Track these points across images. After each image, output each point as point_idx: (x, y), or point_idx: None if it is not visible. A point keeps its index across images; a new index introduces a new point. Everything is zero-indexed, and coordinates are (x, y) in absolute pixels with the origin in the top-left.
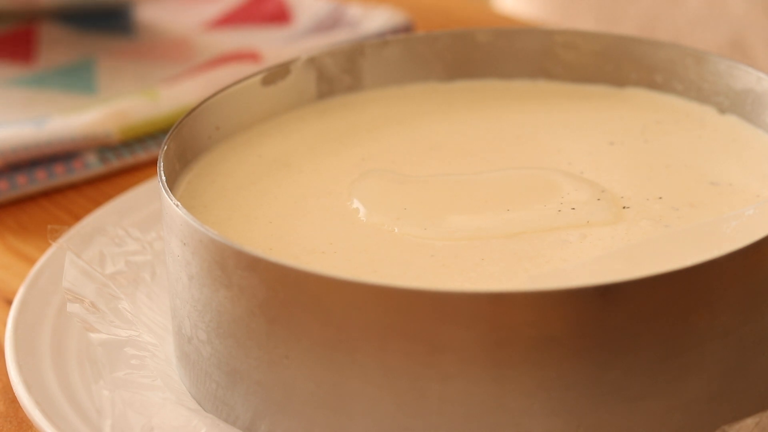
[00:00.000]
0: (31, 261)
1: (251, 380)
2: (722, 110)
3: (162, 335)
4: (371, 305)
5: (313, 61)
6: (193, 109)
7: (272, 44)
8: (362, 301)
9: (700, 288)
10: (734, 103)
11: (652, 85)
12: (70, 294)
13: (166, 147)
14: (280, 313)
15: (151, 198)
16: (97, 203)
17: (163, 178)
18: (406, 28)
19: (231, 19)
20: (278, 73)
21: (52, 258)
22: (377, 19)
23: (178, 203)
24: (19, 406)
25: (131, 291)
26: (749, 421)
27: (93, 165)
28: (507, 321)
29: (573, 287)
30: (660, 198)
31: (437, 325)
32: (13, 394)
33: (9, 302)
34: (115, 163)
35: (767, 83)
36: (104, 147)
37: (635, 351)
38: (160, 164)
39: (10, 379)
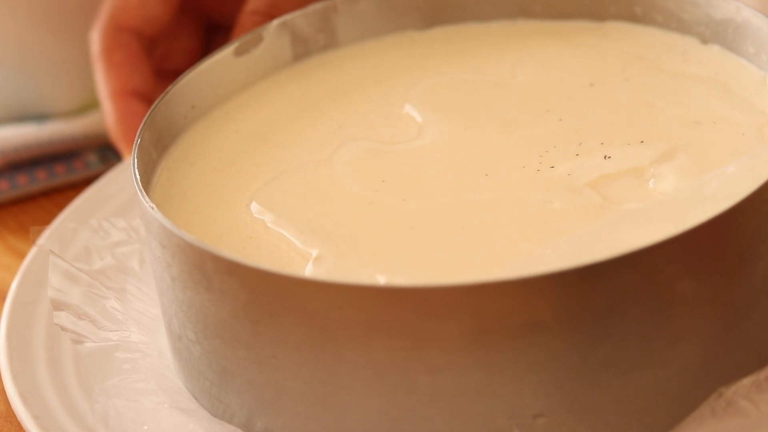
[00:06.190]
0: None
1: (242, 379)
2: (704, 40)
3: (153, 328)
4: (352, 306)
5: (285, 25)
6: (166, 92)
7: None
8: (342, 302)
9: (683, 257)
10: (715, 33)
11: (632, 17)
12: (57, 304)
13: (139, 140)
14: (263, 316)
15: (129, 182)
16: None
17: (138, 176)
18: None
19: None
20: (251, 41)
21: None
22: None
23: (154, 206)
24: None
25: (119, 286)
26: (746, 381)
27: (94, 165)
28: (489, 310)
29: (553, 272)
30: (642, 142)
31: (419, 320)
32: None
33: None
34: (116, 163)
35: (746, 13)
36: (105, 146)
37: (623, 325)
38: (134, 162)
39: (5, 387)
